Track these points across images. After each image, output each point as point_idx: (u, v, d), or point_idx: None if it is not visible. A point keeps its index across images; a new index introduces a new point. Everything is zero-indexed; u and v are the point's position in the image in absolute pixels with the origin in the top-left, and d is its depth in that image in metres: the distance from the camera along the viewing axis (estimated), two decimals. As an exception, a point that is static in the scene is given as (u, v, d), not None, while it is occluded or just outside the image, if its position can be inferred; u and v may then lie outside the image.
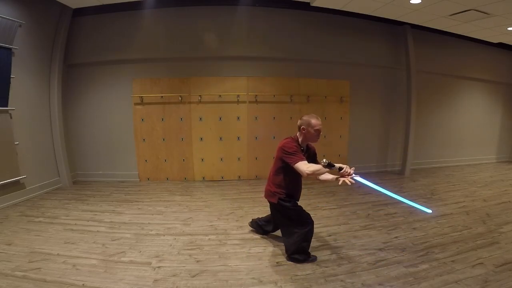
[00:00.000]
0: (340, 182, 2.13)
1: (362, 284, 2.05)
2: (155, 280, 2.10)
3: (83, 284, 2.03)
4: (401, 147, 5.99)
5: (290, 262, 2.35)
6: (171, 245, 2.68)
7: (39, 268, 2.24)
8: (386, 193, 2.30)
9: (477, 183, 5.06)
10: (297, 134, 2.37)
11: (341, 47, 5.42)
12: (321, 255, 2.47)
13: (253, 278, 2.14)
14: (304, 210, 2.42)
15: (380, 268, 2.26)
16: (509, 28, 5.02)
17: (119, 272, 2.21)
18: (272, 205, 2.49)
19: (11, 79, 3.78)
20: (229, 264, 2.34)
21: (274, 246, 2.65)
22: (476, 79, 6.69)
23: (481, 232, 2.94)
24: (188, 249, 2.59)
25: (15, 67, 3.84)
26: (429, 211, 2.72)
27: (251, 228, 3.01)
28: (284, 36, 5.15)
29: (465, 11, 4.29)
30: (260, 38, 5.07)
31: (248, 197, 4.22)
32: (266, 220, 2.85)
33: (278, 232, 2.89)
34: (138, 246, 2.64)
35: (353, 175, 2.09)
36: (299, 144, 2.32)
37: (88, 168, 5.24)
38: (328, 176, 2.24)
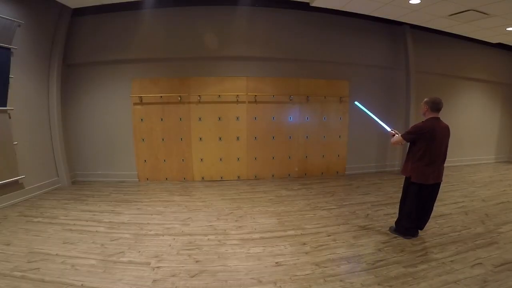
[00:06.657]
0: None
1: (362, 284, 2.05)
2: (154, 280, 2.10)
3: (82, 284, 2.03)
4: (400, 147, 5.99)
5: (290, 262, 2.36)
6: (170, 245, 2.67)
7: (38, 268, 2.24)
8: (384, 126, 3.28)
9: (476, 183, 5.06)
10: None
11: (341, 47, 5.42)
12: (320, 255, 2.47)
13: (252, 278, 2.14)
14: (422, 194, 2.67)
15: (379, 268, 2.26)
16: (508, 29, 5.03)
17: (118, 272, 2.21)
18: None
19: (10, 79, 3.77)
20: (228, 264, 2.34)
21: (274, 246, 2.65)
22: (476, 79, 6.70)
23: (480, 232, 2.94)
24: (187, 249, 2.59)
25: (14, 67, 3.84)
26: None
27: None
28: (284, 36, 5.15)
29: (464, 11, 4.29)
30: (260, 38, 5.06)
31: (247, 197, 4.22)
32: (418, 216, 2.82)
33: (277, 233, 2.90)
34: (137, 246, 2.64)
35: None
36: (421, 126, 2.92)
37: (87, 168, 5.23)
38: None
